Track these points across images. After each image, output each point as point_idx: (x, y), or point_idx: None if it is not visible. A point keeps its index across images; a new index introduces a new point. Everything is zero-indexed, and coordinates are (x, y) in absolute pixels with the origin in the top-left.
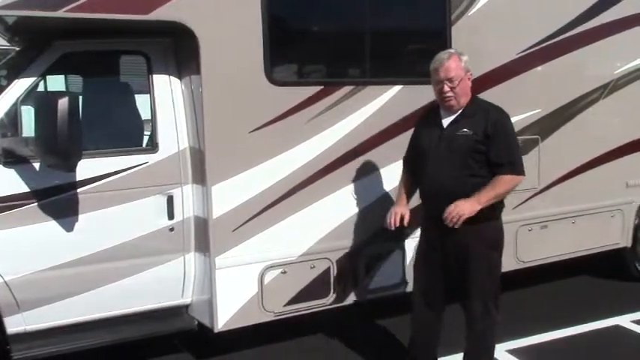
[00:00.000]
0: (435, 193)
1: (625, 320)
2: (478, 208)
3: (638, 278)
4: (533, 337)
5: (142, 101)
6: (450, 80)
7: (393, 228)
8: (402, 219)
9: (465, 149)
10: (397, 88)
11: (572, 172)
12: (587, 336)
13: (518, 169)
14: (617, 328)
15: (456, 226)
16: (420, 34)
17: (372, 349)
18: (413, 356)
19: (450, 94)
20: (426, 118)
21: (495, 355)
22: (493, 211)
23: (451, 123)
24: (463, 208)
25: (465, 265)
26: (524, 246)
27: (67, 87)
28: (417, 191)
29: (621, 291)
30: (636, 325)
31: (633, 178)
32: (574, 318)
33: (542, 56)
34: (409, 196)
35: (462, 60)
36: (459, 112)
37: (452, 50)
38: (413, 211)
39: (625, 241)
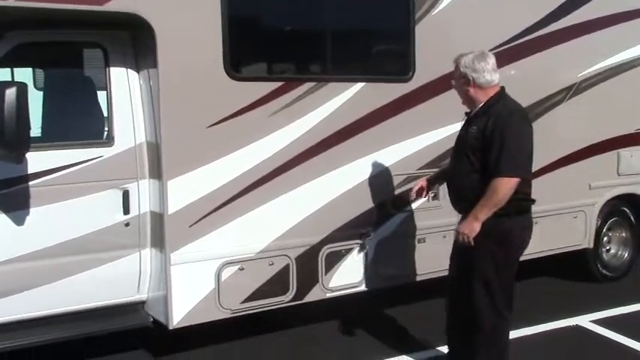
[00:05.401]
0: (449, 187)
1: (584, 320)
2: (477, 224)
3: (599, 279)
4: None
5: (99, 94)
6: (453, 79)
7: (413, 196)
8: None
9: (469, 146)
10: (359, 85)
11: (535, 173)
12: (546, 335)
13: (505, 170)
14: (576, 328)
15: (471, 244)
16: (384, 32)
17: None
18: (448, 336)
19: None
20: None
21: None
22: (505, 207)
23: (466, 122)
24: (464, 230)
25: (471, 261)
26: None
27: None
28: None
29: (583, 291)
30: (595, 324)
31: (596, 180)
32: (535, 318)
33: (506, 58)
34: (436, 176)
35: (460, 65)
36: (474, 112)
37: (461, 54)
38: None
39: (587, 242)
